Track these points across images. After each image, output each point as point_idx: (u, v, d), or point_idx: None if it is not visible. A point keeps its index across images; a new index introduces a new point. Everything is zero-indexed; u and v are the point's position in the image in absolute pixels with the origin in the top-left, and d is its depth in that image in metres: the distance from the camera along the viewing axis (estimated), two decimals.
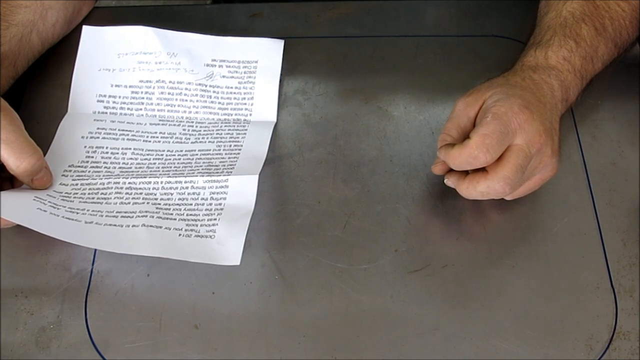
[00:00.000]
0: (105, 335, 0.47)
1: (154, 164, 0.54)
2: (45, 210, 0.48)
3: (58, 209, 0.49)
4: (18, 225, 0.47)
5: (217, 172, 0.52)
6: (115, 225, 0.48)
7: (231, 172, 0.52)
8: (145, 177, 0.52)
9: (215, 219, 0.49)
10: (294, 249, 0.50)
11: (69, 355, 0.46)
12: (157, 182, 0.51)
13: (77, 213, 0.49)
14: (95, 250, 0.50)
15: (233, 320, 0.47)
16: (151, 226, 0.48)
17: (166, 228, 0.48)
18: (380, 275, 0.49)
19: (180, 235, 0.48)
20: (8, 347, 0.46)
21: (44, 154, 0.53)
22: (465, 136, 0.47)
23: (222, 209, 0.49)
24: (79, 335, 0.47)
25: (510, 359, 0.45)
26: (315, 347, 0.46)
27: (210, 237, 0.48)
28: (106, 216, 0.49)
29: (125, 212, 0.49)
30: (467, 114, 0.49)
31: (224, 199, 0.50)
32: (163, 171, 0.53)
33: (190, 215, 0.49)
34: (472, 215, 0.52)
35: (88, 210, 0.49)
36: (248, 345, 0.46)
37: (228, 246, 0.47)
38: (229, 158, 0.54)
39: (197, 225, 0.48)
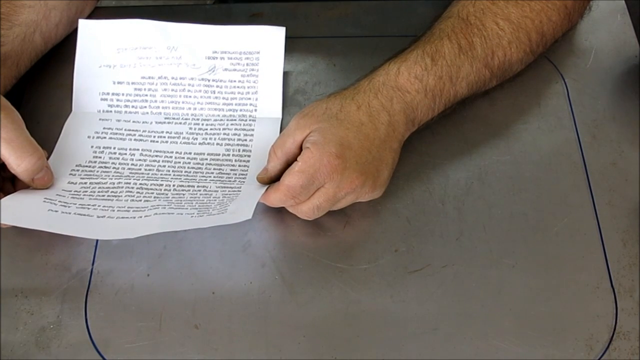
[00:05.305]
0: (105, 335, 0.47)
1: (164, 166, 0.54)
2: (56, 211, 0.48)
3: (69, 207, 0.49)
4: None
5: (230, 181, 0.52)
6: (127, 218, 0.48)
7: (243, 181, 0.52)
8: (157, 180, 0.52)
9: (227, 204, 0.49)
10: (294, 249, 0.51)
11: (69, 355, 0.46)
12: (169, 186, 0.51)
13: (89, 209, 0.49)
14: (95, 250, 0.50)
15: (233, 320, 0.47)
16: (163, 214, 0.48)
17: (178, 214, 0.48)
18: (380, 275, 0.49)
19: (192, 216, 0.48)
20: (8, 347, 0.46)
21: (49, 154, 0.53)
22: (289, 156, 0.49)
23: (233, 200, 0.49)
24: (79, 335, 0.47)
25: (510, 359, 0.45)
26: (315, 347, 0.46)
27: (222, 213, 0.48)
28: (118, 211, 0.49)
29: (137, 208, 0.49)
30: (294, 137, 0.48)
31: (237, 196, 0.50)
32: (174, 175, 0.53)
33: (202, 205, 0.49)
34: (472, 215, 0.52)
35: (99, 206, 0.49)
36: (248, 345, 0.46)
37: (240, 208, 0.47)
38: (240, 166, 0.54)
39: (209, 210, 0.48)
